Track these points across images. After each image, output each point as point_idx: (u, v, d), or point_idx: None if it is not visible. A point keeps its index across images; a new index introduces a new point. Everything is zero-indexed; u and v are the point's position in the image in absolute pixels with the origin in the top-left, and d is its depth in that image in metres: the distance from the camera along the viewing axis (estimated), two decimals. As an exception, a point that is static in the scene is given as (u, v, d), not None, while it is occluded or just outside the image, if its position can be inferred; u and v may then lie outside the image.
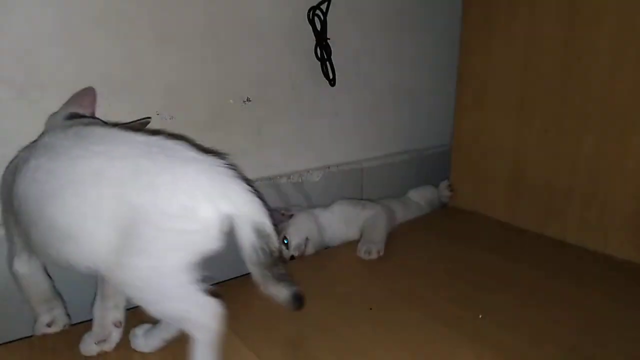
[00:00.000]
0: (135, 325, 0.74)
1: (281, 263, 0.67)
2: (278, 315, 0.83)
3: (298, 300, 0.67)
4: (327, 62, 1.16)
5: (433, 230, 1.24)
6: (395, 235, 1.17)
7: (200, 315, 0.63)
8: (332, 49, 1.15)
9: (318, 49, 1.15)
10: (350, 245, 1.09)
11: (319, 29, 1.12)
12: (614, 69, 0.99)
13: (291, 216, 1.09)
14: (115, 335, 0.72)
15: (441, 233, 1.22)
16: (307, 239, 1.07)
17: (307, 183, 1.22)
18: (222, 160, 0.65)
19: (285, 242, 1.05)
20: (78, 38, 0.87)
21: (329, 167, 1.26)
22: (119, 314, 0.71)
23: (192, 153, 0.64)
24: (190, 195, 0.60)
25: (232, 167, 0.65)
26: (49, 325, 0.77)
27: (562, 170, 1.11)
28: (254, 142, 1.12)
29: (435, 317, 0.82)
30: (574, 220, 1.10)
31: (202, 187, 0.61)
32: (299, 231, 1.06)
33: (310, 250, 1.07)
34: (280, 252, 0.71)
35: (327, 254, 1.11)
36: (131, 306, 0.70)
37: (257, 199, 0.65)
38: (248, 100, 1.09)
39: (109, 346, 0.71)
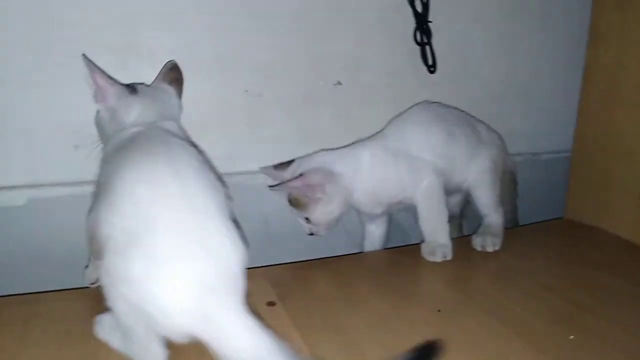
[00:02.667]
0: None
1: None
2: (333, 303, 0.78)
3: None
4: (427, 47, 1.08)
5: (540, 241, 1.09)
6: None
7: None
8: (433, 33, 1.07)
9: (417, 33, 1.08)
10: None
11: (419, 10, 1.06)
12: None
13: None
14: None
15: (549, 245, 1.08)
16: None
17: (397, 176, 1.15)
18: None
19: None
20: (177, 13, 0.92)
21: (423, 161, 1.17)
22: None
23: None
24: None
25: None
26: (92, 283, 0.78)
27: None
28: (342, 127, 1.08)
29: (515, 330, 0.70)
30: None
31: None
32: (330, 210, 0.92)
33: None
34: None
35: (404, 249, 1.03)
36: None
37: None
38: (339, 83, 1.06)
39: None
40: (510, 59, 1.21)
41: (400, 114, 1.02)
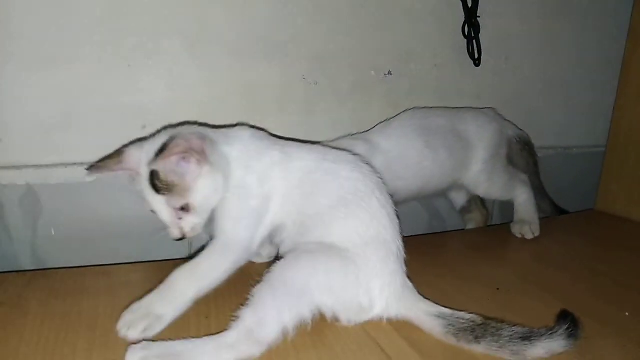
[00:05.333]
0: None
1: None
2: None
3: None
4: (474, 41, 1.12)
5: (576, 230, 1.14)
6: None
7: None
8: (481, 27, 1.11)
9: (466, 27, 1.12)
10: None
11: (469, 5, 1.10)
12: None
13: None
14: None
15: (585, 234, 1.12)
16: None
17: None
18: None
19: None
20: (243, 2, 0.96)
21: (463, 151, 1.22)
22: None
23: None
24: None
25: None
26: None
27: None
28: (391, 115, 1.11)
29: (571, 306, 0.73)
30: None
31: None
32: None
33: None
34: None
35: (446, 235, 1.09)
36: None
37: None
38: (389, 73, 1.10)
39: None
40: (550, 54, 1.26)
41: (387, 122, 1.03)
